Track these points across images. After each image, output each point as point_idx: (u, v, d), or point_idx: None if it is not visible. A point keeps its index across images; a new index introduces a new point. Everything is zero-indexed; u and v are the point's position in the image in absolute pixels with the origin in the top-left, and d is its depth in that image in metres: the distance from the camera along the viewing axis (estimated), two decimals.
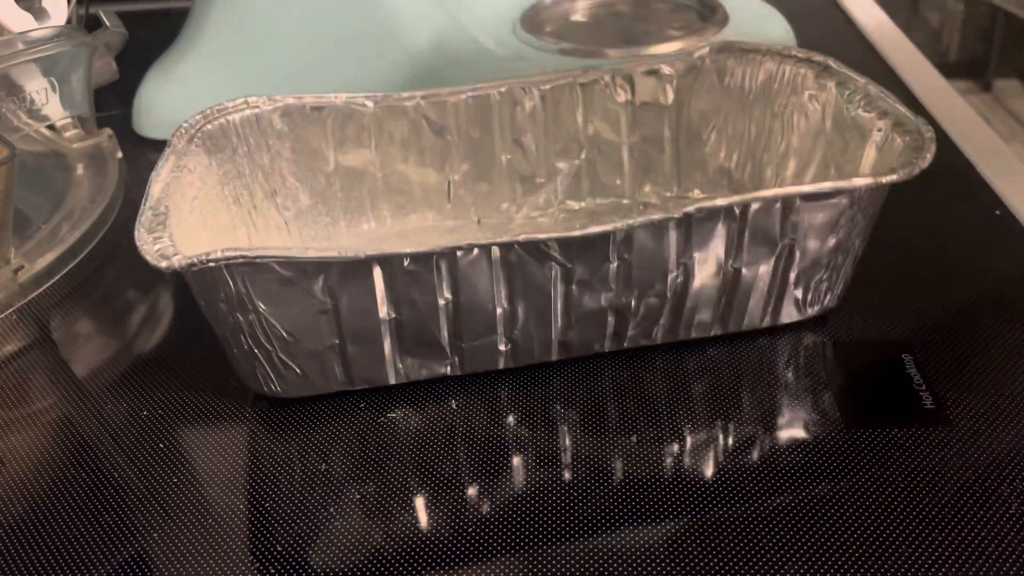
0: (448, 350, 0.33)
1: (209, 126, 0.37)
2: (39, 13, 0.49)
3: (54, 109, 0.48)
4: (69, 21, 0.50)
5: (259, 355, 0.32)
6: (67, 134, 0.48)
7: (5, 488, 0.32)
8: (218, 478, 0.31)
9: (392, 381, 0.34)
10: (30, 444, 0.34)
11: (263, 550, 0.29)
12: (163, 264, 0.29)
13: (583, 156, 0.42)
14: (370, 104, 0.40)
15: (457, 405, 0.34)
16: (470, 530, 0.29)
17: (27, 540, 0.29)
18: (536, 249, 0.31)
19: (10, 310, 0.40)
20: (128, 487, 0.31)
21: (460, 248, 0.30)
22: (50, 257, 0.42)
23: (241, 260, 0.29)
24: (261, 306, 0.31)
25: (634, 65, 0.42)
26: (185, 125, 0.37)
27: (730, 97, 0.41)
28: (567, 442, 0.32)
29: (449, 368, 0.34)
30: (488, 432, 0.33)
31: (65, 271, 0.42)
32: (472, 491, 0.30)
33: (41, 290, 0.41)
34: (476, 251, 0.31)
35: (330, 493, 0.31)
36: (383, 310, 0.32)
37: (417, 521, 0.29)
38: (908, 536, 0.28)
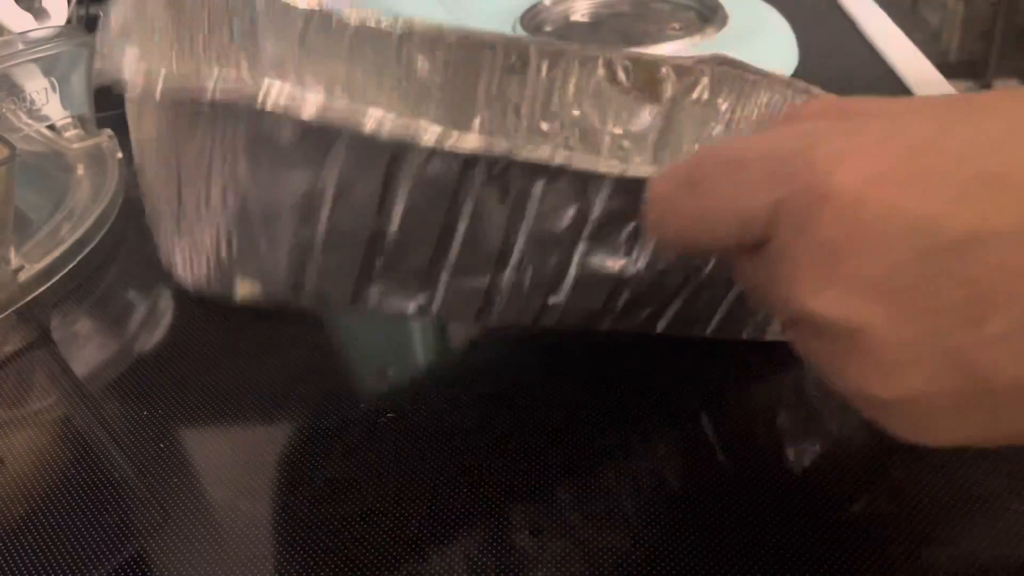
0: (424, 282, 0.29)
1: None
2: (39, 13, 0.49)
3: (54, 109, 0.48)
4: (69, 21, 0.50)
5: (219, 231, 0.27)
6: (67, 134, 0.48)
7: (5, 488, 0.32)
8: (218, 478, 0.31)
9: (345, 304, 0.29)
10: (30, 444, 0.34)
11: (263, 550, 0.29)
12: (140, 82, 0.24)
13: (561, 134, 0.41)
14: (352, 21, 0.34)
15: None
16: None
17: (27, 539, 0.29)
18: (579, 183, 0.28)
19: (10, 310, 0.40)
20: (128, 487, 0.31)
21: (496, 157, 0.26)
22: (50, 257, 0.42)
23: (244, 99, 0.24)
24: (241, 166, 0.25)
25: (635, 58, 0.41)
26: None
27: (719, 117, 0.41)
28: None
29: (416, 306, 0.30)
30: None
31: (65, 271, 0.42)
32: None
33: (41, 290, 0.41)
34: (507, 169, 0.27)
35: (335, 495, 0.31)
36: (378, 211, 0.27)
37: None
38: (906, 536, 0.28)
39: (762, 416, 0.33)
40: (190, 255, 0.29)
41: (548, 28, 0.56)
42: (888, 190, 0.19)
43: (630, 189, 0.28)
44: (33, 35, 0.47)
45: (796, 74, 0.56)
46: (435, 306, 0.30)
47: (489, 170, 0.27)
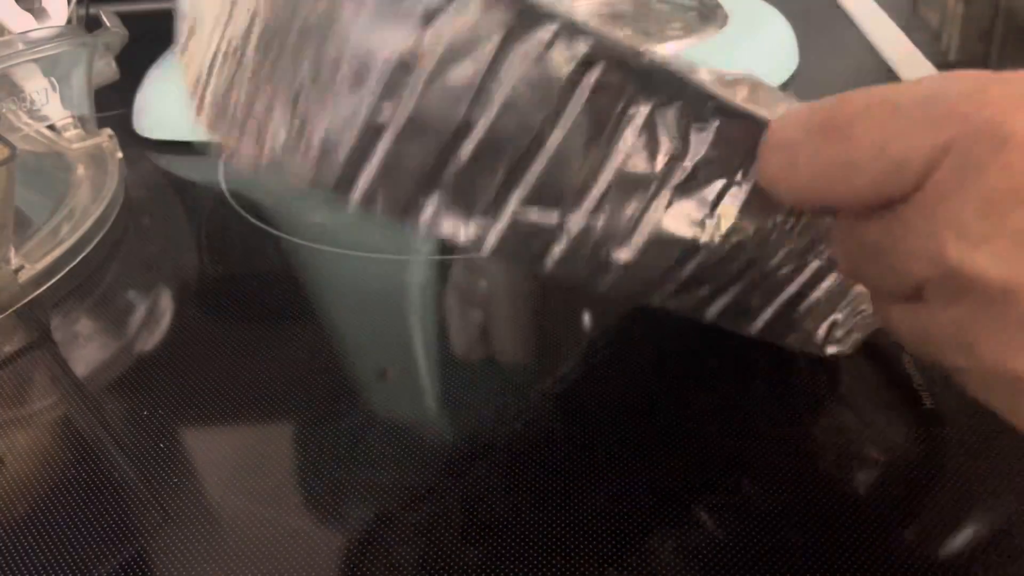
0: (493, 204, 0.25)
1: None
2: (39, 13, 0.49)
3: (54, 109, 0.48)
4: (69, 21, 0.50)
5: (290, 83, 0.24)
6: (67, 134, 0.48)
7: (5, 487, 0.32)
8: (219, 478, 0.32)
9: (397, 215, 0.25)
10: (30, 444, 0.34)
11: (264, 551, 0.29)
12: None
13: None
14: None
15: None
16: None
17: (27, 539, 0.29)
18: (686, 113, 0.25)
19: (10, 310, 0.40)
20: (128, 487, 0.31)
21: (626, 60, 0.23)
22: (50, 257, 0.42)
23: None
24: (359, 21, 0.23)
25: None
26: None
27: None
28: None
29: (471, 231, 0.26)
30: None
31: (65, 271, 0.42)
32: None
33: (41, 290, 0.41)
34: (624, 81, 0.24)
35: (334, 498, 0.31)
36: (477, 99, 0.24)
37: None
38: (906, 536, 0.28)
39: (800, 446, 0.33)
40: (242, 107, 0.25)
41: None
42: None
43: (736, 136, 0.26)
44: (33, 35, 0.47)
45: (796, 74, 0.56)
46: (492, 237, 0.26)
47: (604, 75, 0.24)
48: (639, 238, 0.27)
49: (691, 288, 0.29)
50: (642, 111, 0.25)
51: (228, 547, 0.29)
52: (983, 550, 0.27)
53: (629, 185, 0.26)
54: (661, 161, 0.26)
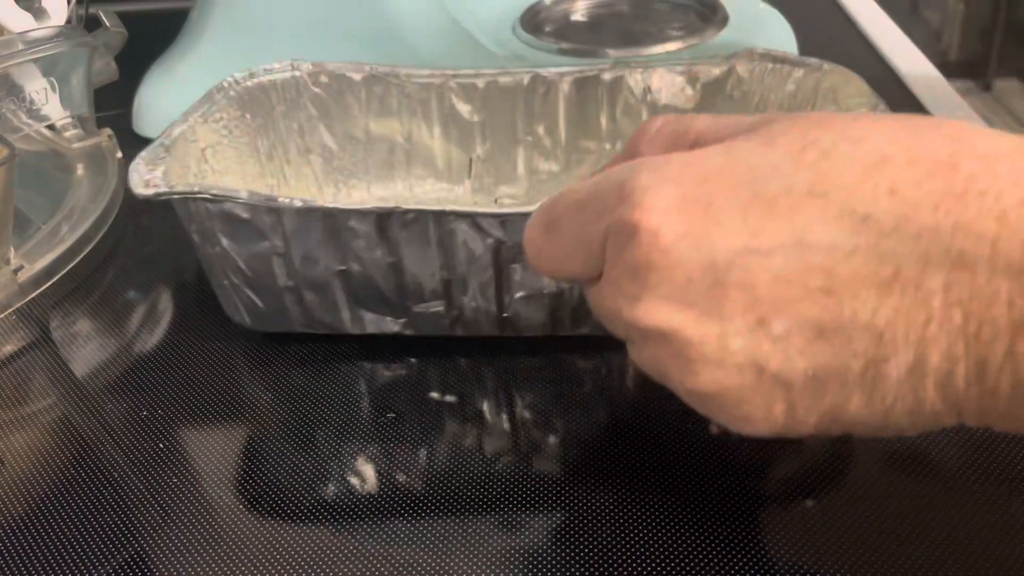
0: (398, 310, 0.35)
1: (249, 83, 0.41)
2: (39, 13, 0.49)
3: (54, 109, 0.48)
4: (69, 21, 0.50)
5: (227, 285, 0.35)
6: (67, 134, 0.48)
7: (5, 488, 0.32)
8: (218, 478, 0.32)
9: (349, 330, 0.36)
10: (30, 444, 0.34)
11: (263, 551, 0.29)
12: (139, 191, 0.34)
13: (605, 148, 0.43)
14: (402, 76, 0.42)
15: (412, 364, 0.36)
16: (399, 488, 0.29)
17: (27, 540, 0.29)
18: (473, 223, 0.32)
19: (10, 310, 0.40)
20: (128, 487, 0.31)
21: (398, 211, 0.32)
22: (50, 257, 0.42)
23: (203, 196, 0.33)
24: (223, 240, 0.34)
25: (658, 64, 0.42)
26: (228, 80, 0.40)
27: (749, 108, 0.41)
28: (502, 418, 0.33)
29: (402, 327, 0.36)
30: (431, 396, 0.34)
31: (65, 271, 0.42)
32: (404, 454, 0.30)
33: (41, 290, 0.41)
34: (416, 217, 0.32)
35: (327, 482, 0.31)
36: (332, 261, 0.34)
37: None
38: (906, 537, 0.28)
39: None
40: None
41: (548, 28, 0.56)
42: (680, 217, 0.23)
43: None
44: (33, 35, 0.46)
45: None
46: (417, 327, 0.36)
47: (404, 218, 0.32)
48: (514, 300, 0.34)
49: (579, 320, 0.35)
50: (461, 225, 0.32)
51: (227, 547, 0.29)
52: (984, 550, 0.27)
53: (479, 267, 0.33)
54: (489, 247, 0.33)
